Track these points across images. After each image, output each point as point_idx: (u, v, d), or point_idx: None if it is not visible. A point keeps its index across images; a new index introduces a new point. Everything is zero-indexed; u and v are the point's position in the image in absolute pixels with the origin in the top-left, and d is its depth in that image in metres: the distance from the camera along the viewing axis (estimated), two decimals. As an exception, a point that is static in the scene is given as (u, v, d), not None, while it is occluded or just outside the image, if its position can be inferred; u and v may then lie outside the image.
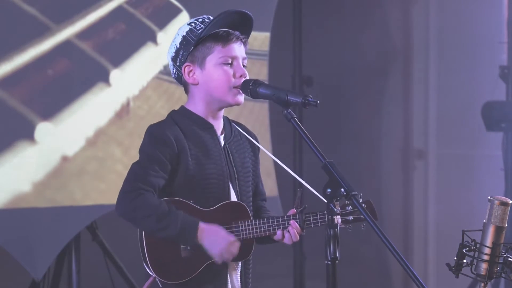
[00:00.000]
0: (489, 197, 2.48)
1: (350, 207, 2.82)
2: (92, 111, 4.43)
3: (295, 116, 2.57)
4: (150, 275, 2.74)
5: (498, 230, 2.45)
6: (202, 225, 2.71)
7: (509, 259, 2.44)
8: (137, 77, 4.61)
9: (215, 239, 2.71)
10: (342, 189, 2.39)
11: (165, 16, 4.71)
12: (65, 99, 4.37)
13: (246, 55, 2.84)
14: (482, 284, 2.46)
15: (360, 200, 2.80)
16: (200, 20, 2.82)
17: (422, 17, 6.42)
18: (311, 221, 2.79)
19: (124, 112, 4.55)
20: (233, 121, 2.97)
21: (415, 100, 6.46)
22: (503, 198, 2.47)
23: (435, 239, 6.34)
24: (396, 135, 6.52)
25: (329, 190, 2.41)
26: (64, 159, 4.36)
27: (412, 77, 6.48)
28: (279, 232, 2.79)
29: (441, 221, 6.27)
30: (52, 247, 4.41)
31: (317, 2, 6.26)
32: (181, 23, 4.74)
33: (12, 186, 4.24)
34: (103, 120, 4.49)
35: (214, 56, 2.78)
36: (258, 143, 2.96)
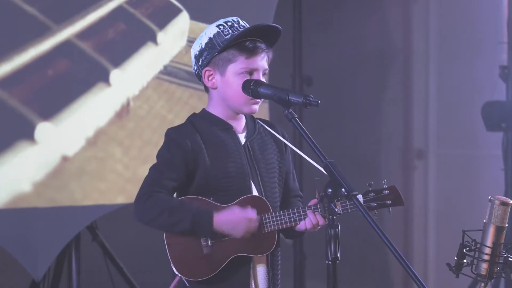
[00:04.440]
0: (489, 197, 2.48)
1: (372, 194, 2.80)
2: (92, 111, 4.43)
3: (296, 116, 2.57)
4: (176, 275, 2.76)
5: (499, 230, 2.45)
6: (216, 213, 2.71)
7: (509, 259, 2.45)
8: (137, 77, 4.61)
9: (233, 222, 2.71)
10: (343, 189, 2.39)
11: (165, 16, 4.71)
12: (65, 99, 4.37)
13: (266, 66, 2.82)
14: (482, 284, 2.46)
15: (385, 186, 2.82)
16: (229, 24, 2.80)
17: (422, 17, 6.42)
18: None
19: (124, 112, 4.55)
20: (260, 119, 2.96)
21: (415, 100, 6.46)
22: (503, 198, 2.47)
23: (435, 239, 6.34)
24: (396, 135, 6.51)
25: (330, 190, 2.41)
26: (64, 159, 4.36)
27: (412, 77, 6.48)
28: (302, 223, 2.78)
29: (441, 221, 6.27)
30: (52, 247, 4.41)
31: (317, 2, 6.26)
32: (181, 23, 4.79)
33: (12, 186, 4.24)
34: (103, 120, 4.49)
35: (236, 66, 2.78)
36: (287, 140, 2.95)
